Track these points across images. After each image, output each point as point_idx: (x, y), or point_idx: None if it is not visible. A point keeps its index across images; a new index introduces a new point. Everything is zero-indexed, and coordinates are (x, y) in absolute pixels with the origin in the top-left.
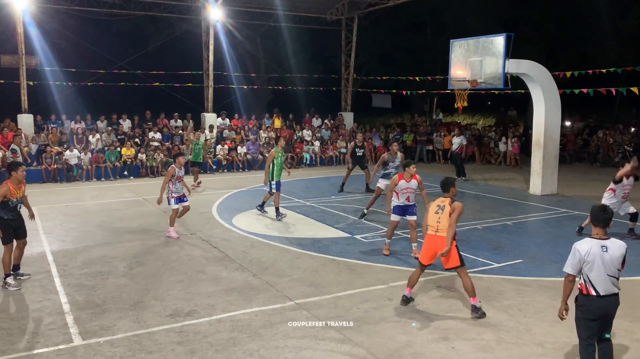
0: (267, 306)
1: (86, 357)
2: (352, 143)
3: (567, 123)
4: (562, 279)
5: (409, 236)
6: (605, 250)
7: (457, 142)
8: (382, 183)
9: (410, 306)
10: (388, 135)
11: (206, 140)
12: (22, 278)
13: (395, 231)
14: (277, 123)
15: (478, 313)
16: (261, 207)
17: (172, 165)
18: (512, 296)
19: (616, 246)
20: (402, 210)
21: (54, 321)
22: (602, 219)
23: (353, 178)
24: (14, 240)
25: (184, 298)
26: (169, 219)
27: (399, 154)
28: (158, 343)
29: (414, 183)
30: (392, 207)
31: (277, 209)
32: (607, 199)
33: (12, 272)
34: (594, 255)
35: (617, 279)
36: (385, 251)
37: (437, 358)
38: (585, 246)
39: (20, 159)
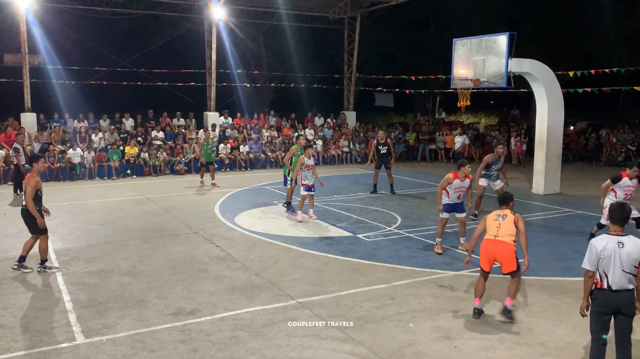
0: (269, 305)
1: (89, 355)
2: (375, 140)
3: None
4: (564, 278)
5: (412, 235)
6: (621, 246)
7: (459, 141)
8: (483, 182)
9: (412, 306)
10: (390, 134)
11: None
12: (25, 270)
13: (398, 231)
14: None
15: (508, 315)
16: (288, 206)
17: (302, 155)
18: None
19: (633, 244)
20: (452, 208)
21: (57, 319)
22: (620, 217)
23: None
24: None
25: (187, 296)
26: (299, 203)
27: (502, 157)
28: (160, 341)
29: (467, 182)
30: (442, 205)
31: (288, 203)
32: (608, 199)
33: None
34: (610, 251)
35: (634, 276)
36: (438, 249)
37: (440, 357)
38: (602, 242)
39: (22, 158)
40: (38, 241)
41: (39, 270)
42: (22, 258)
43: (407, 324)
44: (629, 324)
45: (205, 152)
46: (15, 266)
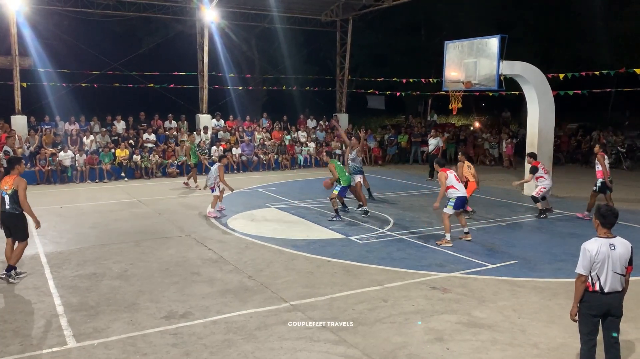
0: (262, 307)
1: None
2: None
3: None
4: (556, 280)
5: (404, 237)
6: (613, 248)
7: (433, 143)
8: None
9: (405, 308)
10: (383, 136)
11: (201, 141)
12: (12, 280)
13: (390, 233)
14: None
15: None
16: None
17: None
18: (507, 297)
19: (623, 245)
20: None
21: (48, 323)
22: (611, 221)
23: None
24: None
25: (179, 299)
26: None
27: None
28: (152, 344)
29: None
30: None
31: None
32: None
33: (5, 272)
34: (603, 254)
35: (623, 276)
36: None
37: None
38: (595, 246)
39: None
40: (10, 246)
41: (2, 276)
42: (10, 267)
43: (400, 326)
44: (617, 325)
45: (194, 155)
46: (4, 276)
